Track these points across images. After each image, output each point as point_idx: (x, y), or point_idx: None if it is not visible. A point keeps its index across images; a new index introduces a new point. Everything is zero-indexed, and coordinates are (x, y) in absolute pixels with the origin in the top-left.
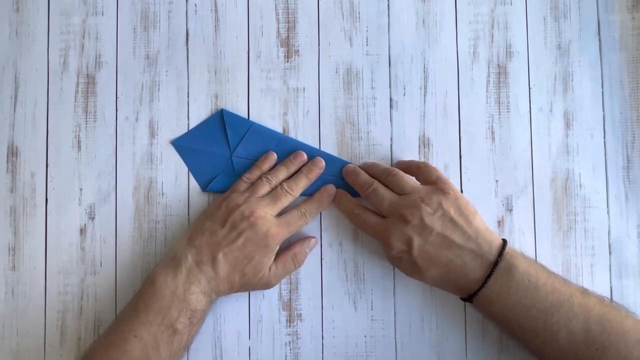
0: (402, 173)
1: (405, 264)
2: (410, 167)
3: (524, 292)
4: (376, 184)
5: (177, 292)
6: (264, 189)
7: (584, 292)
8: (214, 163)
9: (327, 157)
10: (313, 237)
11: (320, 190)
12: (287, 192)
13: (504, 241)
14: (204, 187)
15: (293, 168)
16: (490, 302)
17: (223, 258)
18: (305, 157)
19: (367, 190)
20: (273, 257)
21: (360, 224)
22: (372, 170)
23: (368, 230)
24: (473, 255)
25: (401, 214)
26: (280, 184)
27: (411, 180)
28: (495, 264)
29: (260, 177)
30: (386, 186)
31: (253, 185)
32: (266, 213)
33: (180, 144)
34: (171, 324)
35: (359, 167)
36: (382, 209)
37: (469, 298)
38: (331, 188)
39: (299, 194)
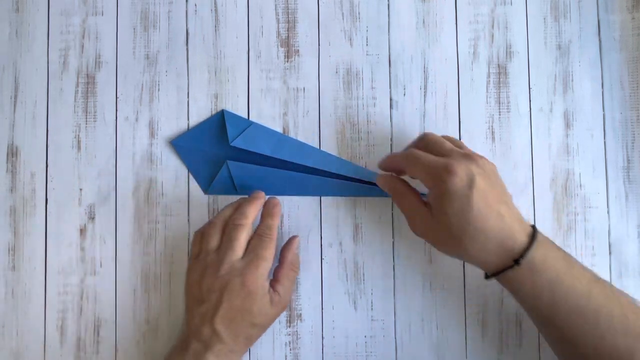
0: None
1: (461, 200)
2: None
3: (567, 261)
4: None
5: None
6: (212, 237)
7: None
8: (213, 163)
9: (328, 158)
10: (294, 237)
11: (265, 204)
12: (236, 225)
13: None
14: (205, 189)
15: (235, 204)
16: (534, 271)
17: (222, 327)
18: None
19: (412, 152)
20: (267, 292)
21: (414, 158)
22: (394, 156)
23: (423, 164)
24: (519, 219)
25: (465, 153)
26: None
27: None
28: (535, 230)
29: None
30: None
31: (203, 239)
32: (231, 263)
33: (180, 144)
34: None
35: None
36: (443, 152)
37: (513, 263)
38: (273, 200)
39: (252, 219)
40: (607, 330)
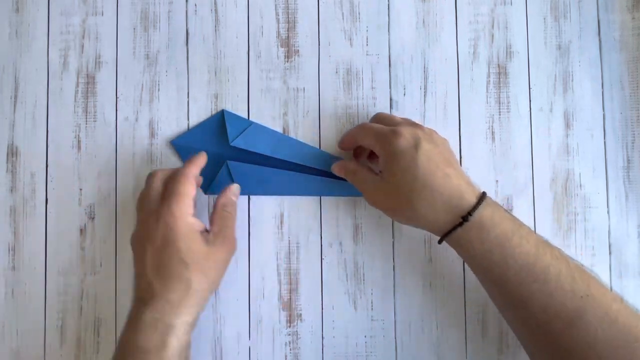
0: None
1: (406, 158)
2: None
3: (515, 222)
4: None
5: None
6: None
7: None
8: (213, 163)
9: (328, 158)
10: (232, 184)
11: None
12: (147, 179)
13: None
14: (205, 189)
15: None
16: (482, 228)
17: (153, 275)
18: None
19: (364, 124)
20: (195, 230)
21: (366, 129)
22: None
23: (373, 132)
24: (467, 182)
25: (414, 123)
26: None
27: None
28: (484, 193)
29: None
30: None
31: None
32: (147, 208)
33: (180, 144)
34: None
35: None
36: (393, 123)
37: (461, 220)
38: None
39: (164, 172)
40: (555, 289)
